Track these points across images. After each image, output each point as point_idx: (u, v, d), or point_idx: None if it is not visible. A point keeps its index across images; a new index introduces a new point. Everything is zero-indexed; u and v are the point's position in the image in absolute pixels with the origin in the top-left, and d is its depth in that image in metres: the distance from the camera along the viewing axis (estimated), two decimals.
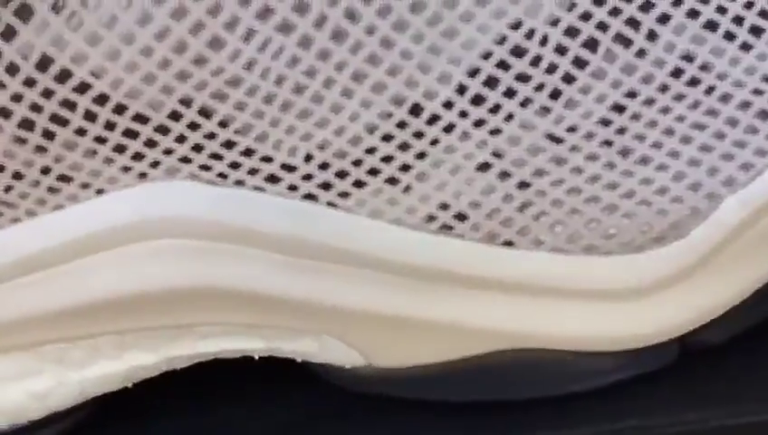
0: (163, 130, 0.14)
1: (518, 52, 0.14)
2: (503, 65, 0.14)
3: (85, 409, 0.17)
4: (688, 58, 0.14)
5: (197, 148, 0.14)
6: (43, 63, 0.13)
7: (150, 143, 0.14)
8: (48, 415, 0.17)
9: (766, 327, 0.16)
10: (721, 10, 0.14)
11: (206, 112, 0.14)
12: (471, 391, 0.16)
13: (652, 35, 0.14)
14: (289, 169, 0.14)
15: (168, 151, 0.14)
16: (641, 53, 0.14)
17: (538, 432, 0.16)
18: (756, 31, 0.14)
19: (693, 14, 0.14)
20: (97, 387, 0.17)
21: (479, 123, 0.14)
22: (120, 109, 0.14)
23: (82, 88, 0.13)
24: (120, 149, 0.14)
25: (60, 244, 0.15)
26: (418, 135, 0.14)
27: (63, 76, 0.13)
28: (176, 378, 0.17)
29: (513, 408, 0.16)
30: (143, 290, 0.15)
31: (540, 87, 0.14)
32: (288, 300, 0.15)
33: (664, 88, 0.14)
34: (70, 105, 0.14)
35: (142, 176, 0.14)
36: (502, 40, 0.14)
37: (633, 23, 0.14)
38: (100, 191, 0.14)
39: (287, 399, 0.17)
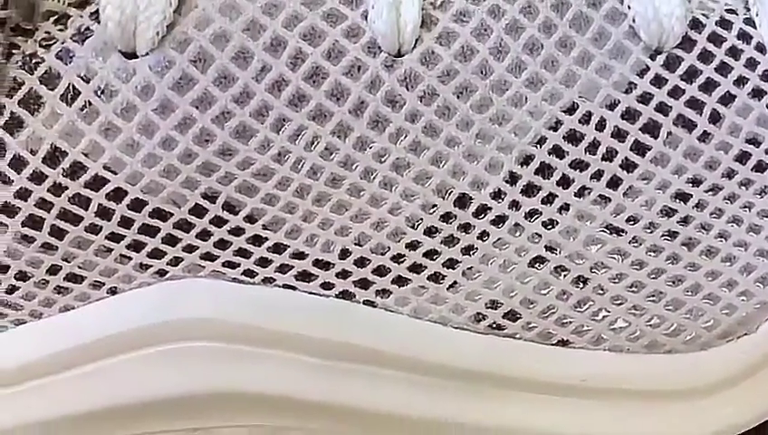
0: (184, 226, 0.13)
1: (573, 137, 0.13)
2: (557, 152, 0.13)
3: None
4: (754, 141, 0.13)
5: (222, 244, 0.13)
6: (54, 157, 0.12)
7: (170, 240, 0.13)
8: None
9: None
10: None
11: (231, 207, 0.13)
12: None
13: (715, 117, 0.13)
14: (323, 265, 0.13)
15: (190, 248, 0.13)
16: (705, 137, 0.13)
17: None
18: None
19: (758, 93, 0.13)
20: None
21: (532, 214, 0.13)
22: (137, 204, 0.12)
23: (96, 183, 0.12)
24: (136, 246, 0.13)
25: (69, 348, 0.13)
26: (465, 228, 0.13)
27: (76, 170, 0.12)
28: None
29: None
30: (161, 396, 0.14)
31: (597, 175, 0.13)
32: (320, 403, 0.14)
33: (730, 174, 0.13)
34: (82, 201, 0.12)
35: (160, 274, 0.13)
36: (556, 125, 0.13)
37: (695, 104, 0.13)
38: (113, 291, 0.13)
39: None
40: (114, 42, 0.12)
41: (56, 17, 0.12)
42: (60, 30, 0.12)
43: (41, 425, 0.14)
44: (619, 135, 0.13)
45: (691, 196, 0.13)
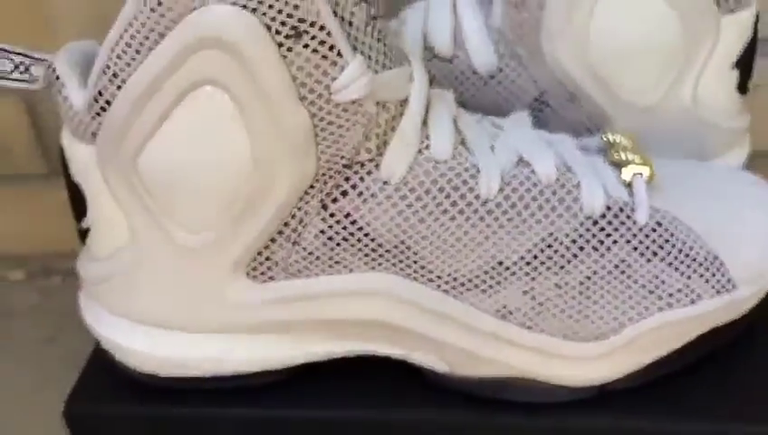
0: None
1: (552, 249, 0.31)
2: (547, 257, 0.31)
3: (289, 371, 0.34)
4: (623, 263, 0.32)
5: (407, 267, 0.31)
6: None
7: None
8: (281, 368, 0.34)
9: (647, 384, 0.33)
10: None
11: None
12: (500, 393, 0.33)
13: (609, 247, 0.32)
14: (443, 281, 0.31)
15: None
16: (594, 263, 0.32)
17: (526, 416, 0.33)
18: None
19: (628, 242, 0.32)
20: (309, 359, 0.34)
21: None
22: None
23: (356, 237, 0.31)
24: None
25: (318, 292, 0.32)
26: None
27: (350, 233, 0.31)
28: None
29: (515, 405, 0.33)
30: (367, 318, 0.32)
31: (555, 273, 0.31)
32: (426, 335, 0.32)
33: (607, 279, 0.32)
34: (339, 241, 0.31)
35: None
36: (548, 247, 0.31)
37: (600, 243, 0.32)
38: (351, 271, 0.32)
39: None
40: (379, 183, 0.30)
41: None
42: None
43: (298, 322, 0.32)
44: (568, 251, 0.31)
45: (588, 287, 0.32)
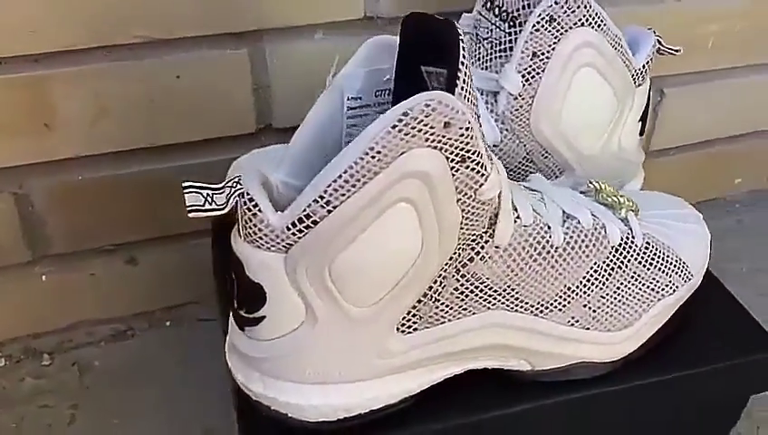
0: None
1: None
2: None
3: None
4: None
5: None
6: None
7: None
8: (416, 393, 0.45)
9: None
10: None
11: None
12: (565, 375, 0.47)
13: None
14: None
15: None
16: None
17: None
18: None
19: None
20: (434, 382, 0.45)
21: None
22: None
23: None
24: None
25: (456, 332, 0.43)
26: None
27: None
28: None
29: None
30: (482, 344, 0.44)
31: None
32: (522, 347, 0.45)
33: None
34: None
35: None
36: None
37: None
38: (474, 313, 0.43)
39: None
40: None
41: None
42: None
43: (434, 357, 0.43)
44: (606, 272, 0.46)
45: (620, 293, 0.47)
